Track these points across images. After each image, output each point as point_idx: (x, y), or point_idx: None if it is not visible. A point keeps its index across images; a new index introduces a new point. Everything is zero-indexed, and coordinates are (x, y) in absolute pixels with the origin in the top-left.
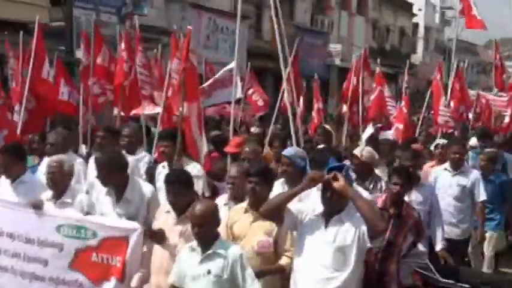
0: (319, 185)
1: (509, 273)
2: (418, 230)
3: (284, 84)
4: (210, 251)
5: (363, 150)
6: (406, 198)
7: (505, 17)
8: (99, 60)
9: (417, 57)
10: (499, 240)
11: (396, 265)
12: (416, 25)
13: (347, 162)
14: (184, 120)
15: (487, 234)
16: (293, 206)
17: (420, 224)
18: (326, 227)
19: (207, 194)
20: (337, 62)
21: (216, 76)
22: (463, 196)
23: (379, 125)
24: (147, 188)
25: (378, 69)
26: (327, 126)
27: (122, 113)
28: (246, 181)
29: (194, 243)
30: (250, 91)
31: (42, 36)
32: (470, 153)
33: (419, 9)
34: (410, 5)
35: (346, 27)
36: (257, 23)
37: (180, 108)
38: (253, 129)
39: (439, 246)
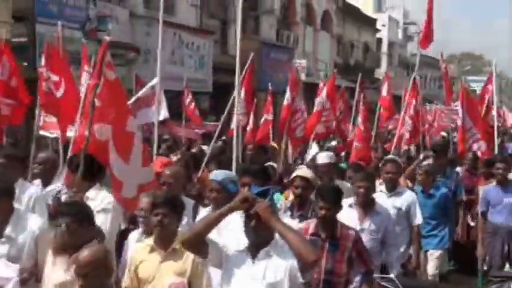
0: (241, 213)
1: None
2: (360, 251)
3: (236, 108)
4: None
5: (308, 173)
6: (358, 226)
7: (466, 32)
8: None
9: (381, 72)
10: (442, 260)
11: None
12: (380, 40)
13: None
14: (96, 144)
15: (429, 253)
16: (217, 238)
17: (360, 243)
18: (253, 261)
19: (122, 226)
20: (303, 77)
21: (139, 94)
22: (399, 219)
23: (334, 142)
24: (35, 222)
25: (321, 84)
26: (274, 144)
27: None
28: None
29: None
30: (192, 107)
31: None
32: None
33: (383, 25)
34: (374, 21)
35: (311, 42)
36: (222, 38)
37: (86, 132)
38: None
39: (394, 271)
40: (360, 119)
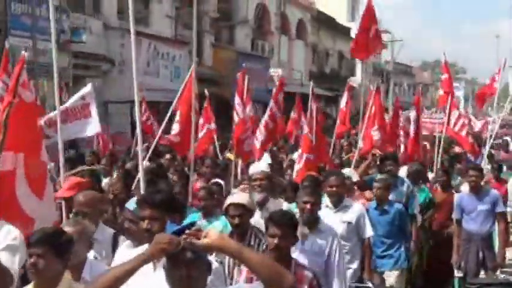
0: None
1: None
2: None
3: (137, 121)
4: None
5: (243, 198)
6: (297, 246)
7: (438, 40)
8: None
9: (356, 79)
10: (399, 281)
11: None
12: None
13: None
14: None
15: (386, 274)
16: None
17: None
18: None
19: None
20: None
21: (67, 105)
22: (349, 234)
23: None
24: None
25: (274, 91)
26: (230, 156)
27: None
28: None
29: None
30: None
31: None
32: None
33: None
34: (348, 30)
35: (286, 51)
36: (198, 48)
37: None
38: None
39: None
40: (306, 128)
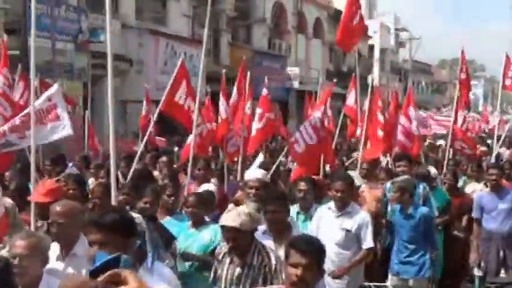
0: None
1: None
2: None
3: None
4: None
5: (235, 220)
6: None
7: (456, 38)
8: None
9: (374, 78)
10: None
11: None
12: (371, 47)
13: None
14: None
15: (408, 283)
16: None
17: None
18: None
19: None
20: (296, 85)
21: (37, 106)
22: (348, 242)
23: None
24: None
25: (265, 92)
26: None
27: None
28: None
29: None
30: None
31: None
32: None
33: (374, 32)
34: (366, 28)
35: (304, 50)
36: (215, 47)
37: None
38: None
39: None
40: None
